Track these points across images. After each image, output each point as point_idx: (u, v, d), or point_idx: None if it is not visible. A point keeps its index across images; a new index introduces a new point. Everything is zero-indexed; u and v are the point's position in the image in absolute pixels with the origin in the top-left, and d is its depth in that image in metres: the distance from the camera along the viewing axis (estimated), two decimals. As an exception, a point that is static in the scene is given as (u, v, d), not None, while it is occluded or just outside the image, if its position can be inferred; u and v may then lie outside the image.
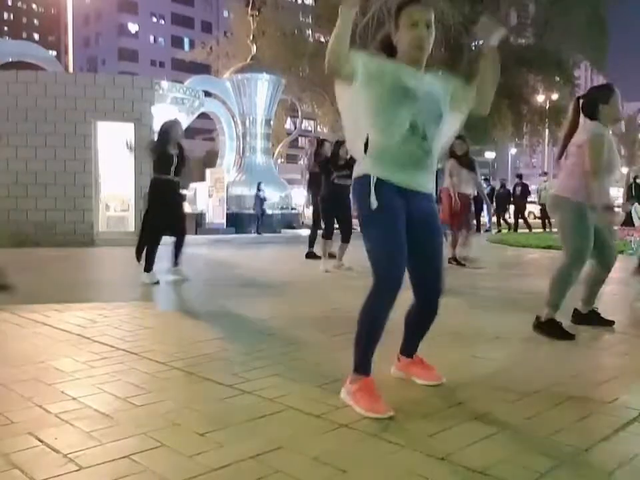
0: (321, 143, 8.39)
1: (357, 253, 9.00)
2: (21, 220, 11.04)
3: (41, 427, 2.22)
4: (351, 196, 2.62)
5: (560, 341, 3.67)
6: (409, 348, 2.80)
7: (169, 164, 6.19)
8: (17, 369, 3.00)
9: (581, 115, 3.92)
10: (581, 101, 3.98)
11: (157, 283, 6.09)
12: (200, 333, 3.97)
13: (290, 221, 17.85)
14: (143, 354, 3.31)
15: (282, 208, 17.77)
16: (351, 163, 7.85)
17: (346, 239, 7.49)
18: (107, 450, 2.03)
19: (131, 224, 11.86)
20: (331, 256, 7.68)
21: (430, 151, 2.48)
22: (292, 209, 19.06)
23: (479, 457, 1.97)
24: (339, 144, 7.54)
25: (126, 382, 2.81)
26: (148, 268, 6.17)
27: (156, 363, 3.12)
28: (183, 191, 6.61)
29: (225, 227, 16.18)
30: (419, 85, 2.45)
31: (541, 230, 17.14)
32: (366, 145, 2.43)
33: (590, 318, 4.08)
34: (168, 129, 6.33)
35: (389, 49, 2.53)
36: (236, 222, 16.34)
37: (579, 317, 4.09)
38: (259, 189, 15.88)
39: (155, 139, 6.53)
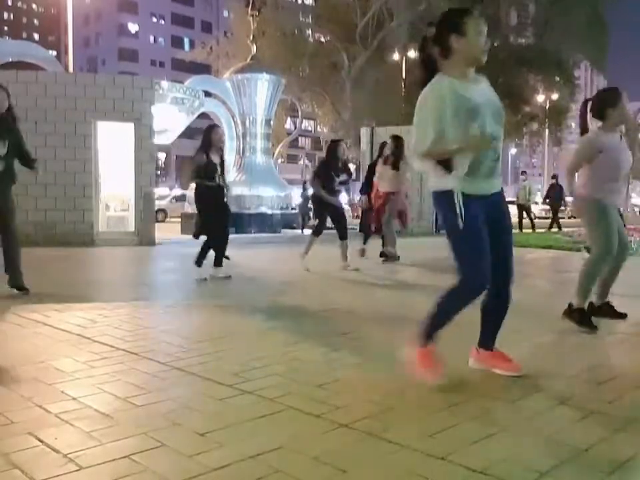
0: (337, 144, 7.78)
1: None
2: (21, 220, 10.96)
3: (41, 427, 2.22)
4: (435, 207, 2.85)
5: (561, 341, 3.70)
6: (486, 340, 3.00)
7: (214, 171, 6.34)
8: (17, 369, 3.00)
9: (589, 116, 4.10)
10: (589, 103, 4.13)
11: (205, 279, 6.32)
12: (200, 332, 3.97)
13: (290, 221, 17.84)
14: (143, 354, 3.31)
15: (282, 208, 17.74)
16: (347, 165, 7.92)
17: (343, 236, 7.52)
18: (107, 450, 2.03)
19: (130, 224, 11.83)
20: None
21: (500, 155, 2.76)
22: (292, 208, 19.04)
23: (479, 456, 1.97)
24: (336, 145, 7.54)
25: (126, 382, 2.81)
26: (218, 263, 6.46)
27: (156, 363, 3.12)
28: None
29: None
30: (481, 95, 2.69)
31: (518, 231, 17.08)
32: (444, 161, 2.66)
33: (604, 311, 4.29)
34: (208, 134, 6.43)
35: (429, 61, 2.73)
36: (236, 222, 16.34)
37: (594, 310, 4.23)
38: (304, 188, 16.02)
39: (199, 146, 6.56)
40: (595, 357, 3.42)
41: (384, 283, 6.60)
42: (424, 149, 2.63)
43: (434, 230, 14.95)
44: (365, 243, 9.09)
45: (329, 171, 7.44)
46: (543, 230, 17.12)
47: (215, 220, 6.45)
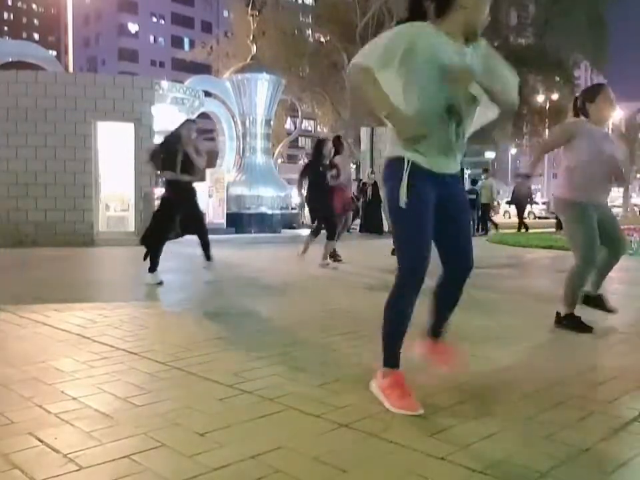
0: (322, 142, 7.95)
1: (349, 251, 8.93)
2: (21, 220, 11.03)
3: (41, 427, 2.22)
4: (381, 178, 2.57)
5: (561, 341, 3.69)
6: (435, 326, 2.75)
7: (181, 164, 6.14)
8: (16, 369, 3.00)
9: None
10: (578, 100, 4.11)
11: (161, 283, 6.08)
12: (200, 332, 3.97)
13: (290, 221, 17.84)
14: (143, 354, 3.31)
15: (282, 208, 17.75)
16: (333, 163, 7.89)
17: (331, 237, 7.53)
18: (107, 450, 2.03)
19: (130, 224, 11.84)
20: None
21: (463, 134, 2.45)
22: (292, 208, 19.04)
23: (479, 457, 1.97)
24: (322, 143, 7.54)
25: (126, 382, 2.81)
26: (152, 269, 6.16)
27: (156, 363, 3.12)
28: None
29: (225, 227, 16.19)
30: (460, 61, 2.35)
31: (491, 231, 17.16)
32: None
33: (597, 301, 4.22)
34: (178, 129, 6.34)
35: (420, 16, 2.41)
36: (236, 222, 16.33)
37: (588, 299, 4.20)
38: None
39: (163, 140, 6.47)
40: (595, 357, 3.42)
41: (384, 283, 6.59)
42: (364, 63, 2.29)
43: None
44: None
45: (316, 168, 7.42)
46: (512, 230, 17.05)
47: (176, 218, 6.12)
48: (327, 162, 7.54)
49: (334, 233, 7.58)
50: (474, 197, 16.34)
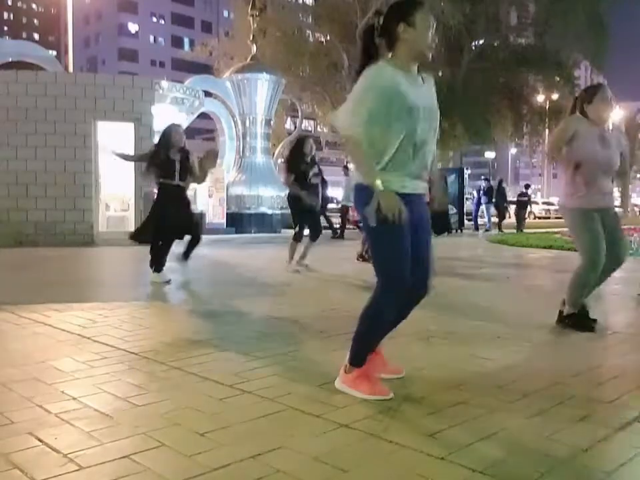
0: (303, 140, 7.47)
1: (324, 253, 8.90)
2: (21, 220, 11.03)
3: (41, 427, 2.22)
4: (353, 202, 2.74)
5: (561, 341, 3.69)
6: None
7: (172, 169, 6.16)
8: (16, 369, 3.00)
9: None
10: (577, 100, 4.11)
11: (169, 282, 6.10)
12: (200, 333, 3.97)
13: (290, 221, 17.85)
14: (143, 354, 3.31)
15: (282, 208, 17.74)
16: (315, 160, 7.70)
17: (315, 238, 7.40)
18: (107, 450, 2.03)
19: (131, 224, 11.83)
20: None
21: (431, 161, 2.66)
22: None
23: (479, 457, 1.97)
24: (302, 141, 7.36)
25: (126, 382, 2.81)
26: (159, 268, 6.19)
27: (156, 363, 3.12)
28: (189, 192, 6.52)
29: (225, 226, 16.18)
30: (420, 97, 2.54)
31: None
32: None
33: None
34: (167, 134, 6.31)
35: (372, 49, 2.61)
36: (236, 222, 16.33)
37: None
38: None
39: (154, 144, 6.45)
40: (595, 357, 3.42)
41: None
42: (351, 128, 2.48)
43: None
44: None
45: (297, 167, 7.18)
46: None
47: (170, 221, 6.16)
48: (309, 159, 7.36)
49: (318, 235, 7.37)
50: (525, 199, 19.33)
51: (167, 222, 6.15)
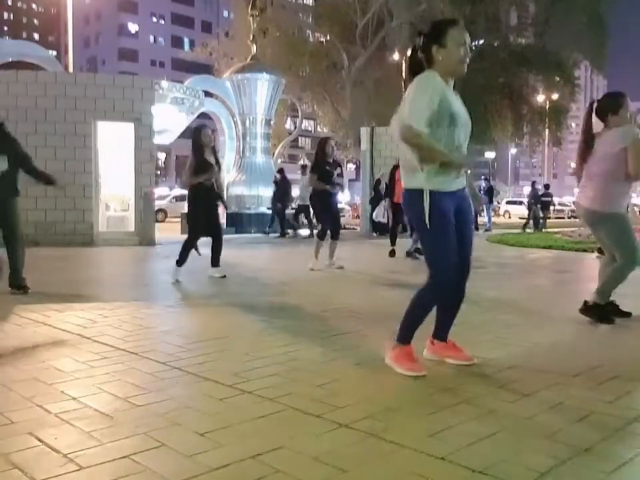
0: (324, 142, 7.67)
1: (349, 252, 8.91)
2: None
3: (41, 427, 2.22)
4: (402, 204, 3.03)
5: (561, 341, 3.71)
6: (442, 332, 3.15)
7: (209, 170, 6.36)
8: (17, 369, 3.00)
9: (595, 119, 4.14)
10: (594, 105, 4.20)
11: (178, 282, 6.27)
12: (200, 332, 3.97)
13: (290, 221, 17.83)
14: (143, 354, 3.31)
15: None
16: (337, 161, 7.86)
17: (336, 236, 7.51)
18: (107, 450, 2.03)
19: (130, 224, 11.83)
20: None
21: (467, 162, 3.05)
22: (292, 208, 19.05)
23: (479, 457, 1.97)
24: (324, 142, 7.48)
25: (126, 382, 2.81)
26: (182, 264, 6.37)
27: (156, 363, 3.12)
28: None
29: (225, 226, 16.19)
30: (459, 107, 2.90)
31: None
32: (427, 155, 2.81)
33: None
34: (197, 136, 6.43)
35: (418, 67, 2.90)
36: (236, 222, 16.33)
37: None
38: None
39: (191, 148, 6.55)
40: (595, 356, 3.41)
41: (385, 283, 6.59)
42: (418, 128, 2.70)
43: None
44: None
45: (322, 168, 7.35)
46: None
47: (205, 219, 6.46)
48: (331, 160, 7.48)
49: (339, 233, 7.56)
50: (549, 199, 19.95)
51: (203, 221, 6.44)
